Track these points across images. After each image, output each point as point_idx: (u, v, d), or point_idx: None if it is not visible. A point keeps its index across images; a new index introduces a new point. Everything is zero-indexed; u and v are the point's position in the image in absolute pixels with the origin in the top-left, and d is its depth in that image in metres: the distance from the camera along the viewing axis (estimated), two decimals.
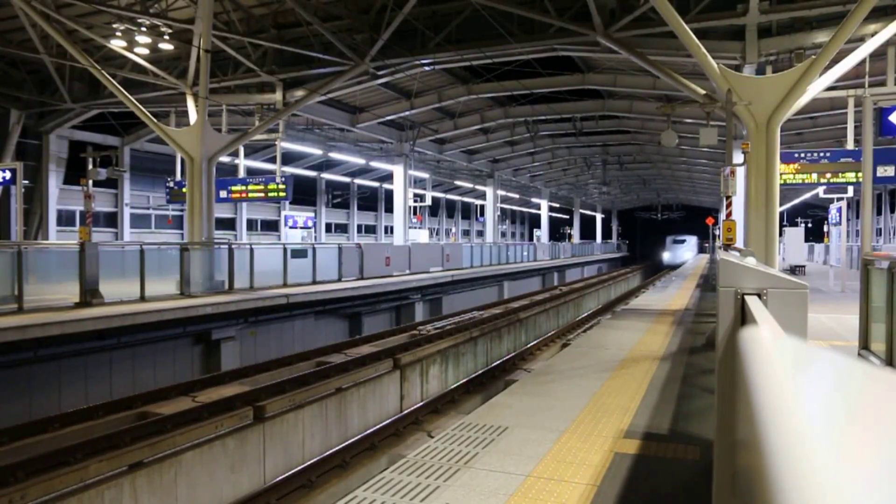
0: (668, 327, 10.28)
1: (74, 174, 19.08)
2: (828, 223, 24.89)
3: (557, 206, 54.27)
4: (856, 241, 28.04)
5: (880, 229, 34.34)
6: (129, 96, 15.70)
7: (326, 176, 34.04)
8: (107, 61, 16.57)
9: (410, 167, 26.42)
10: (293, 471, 7.88)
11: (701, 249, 60.43)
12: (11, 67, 18.16)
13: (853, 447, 0.45)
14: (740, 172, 10.00)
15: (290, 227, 30.05)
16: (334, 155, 27.43)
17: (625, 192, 54.90)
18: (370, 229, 40.06)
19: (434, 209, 44.72)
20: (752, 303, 2.17)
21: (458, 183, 40.16)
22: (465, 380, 12.61)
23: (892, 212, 34.30)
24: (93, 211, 15.81)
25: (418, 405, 10.75)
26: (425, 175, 32.59)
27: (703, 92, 11.92)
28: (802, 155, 12.61)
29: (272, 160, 24.06)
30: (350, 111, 22.58)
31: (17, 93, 18.25)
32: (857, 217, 29.89)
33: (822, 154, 12.57)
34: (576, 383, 6.30)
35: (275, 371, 10.79)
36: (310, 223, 30.88)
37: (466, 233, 51.96)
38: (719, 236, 13.19)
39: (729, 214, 9.56)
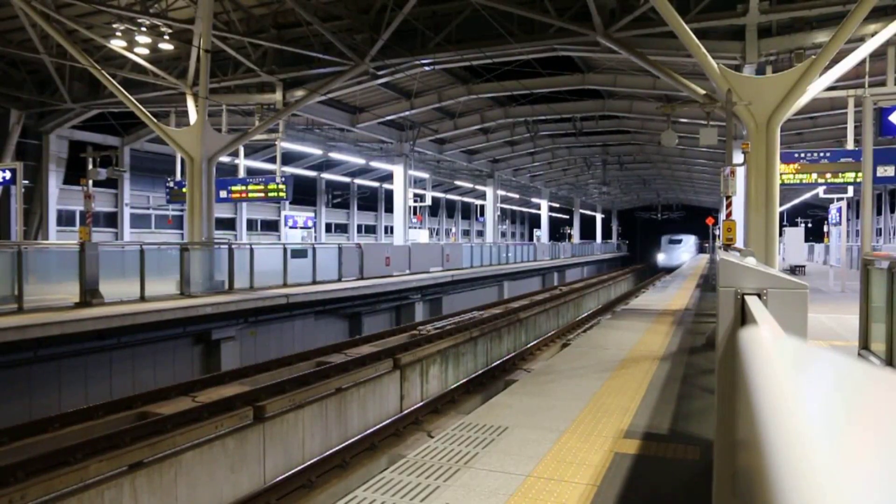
0: (668, 327, 10.28)
1: (74, 174, 19.08)
2: (828, 223, 24.89)
3: (557, 206, 54.26)
4: (856, 241, 28.04)
5: (880, 229, 34.34)
6: (129, 96, 15.70)
7: (326, 176, 34.04)
8: (107, 61, 16.57)
9: (410, 167, 26.42)
10: (293, 471, 7.88)
11: (701, 249, 58.93)
12: (11, 67, 18.16)
13: (853, 447, 0.45)
14: (740, 172, 10.00)
15: (290, 227, 30.04)
16: (334, 155, 27.43)
17: (625, 192, 54.90)
18: (370, 229, 40.06)
19: (434, 209, 44.72)
20: (752, 303, 2.17)
21: (458, 183, 40.16)
22: (465, 380, 12.61)
23: (892, 212, 34.30)
24: (93, 211, 15.81)
25: (418, 405, 10.75)
26: (425, 175, 32.59)
27: (703, 92, 11.92)
28: (802, 155, 12.61)
29: (272, 160, 24.06)
30: (350, 111, 22.58)
31: (17, 93, 18.25)
32: (857, 217, 29.89)
33: (822, 154, 12.56)
34: (576, 383, 6.30)
35: (275, 371, 10.79)
36: (310, 223, 30.88)
37: (466, 233, 51.96)
38: (719, 236, 13.19)
39: (729, 214, 9.55)
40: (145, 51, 14.91)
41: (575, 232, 52.00)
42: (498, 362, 14.24)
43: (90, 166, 16.03)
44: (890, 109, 11.10)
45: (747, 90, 10.09)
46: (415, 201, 30.82)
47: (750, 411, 0.64)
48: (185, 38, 14.61)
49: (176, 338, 11.36)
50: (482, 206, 39.18)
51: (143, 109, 16.02)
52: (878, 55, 11.70)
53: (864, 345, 5.00)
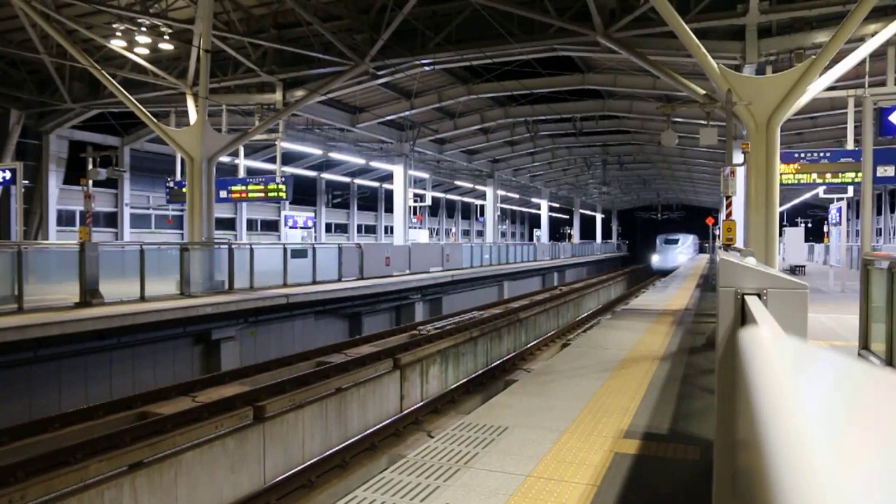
0: (668, 327, 10.28)
1: (74, 174, 19.08)
2: (828, 223, 24.89)
3: (557, 206, 54.25)
4: (856, 241, 28.04)
5: (880, 229, 34.34)
6: (129, 96, 15.70)
7: (326, 176, 34.04)
8: (107, 61, 16.57)
9: (410, 167, 26.42)
10: (293, 471, 7.88)
11: (701, 249, 57.41)
12: (11, 67, 18.16)
13: (853, 447, 0.45)
14: (740, 172, 10.00)
15: (290, 227, 30.05)
16: (334, 155, 27.43)
17: (625, 192, 54.88)
18: (370, 229, 40.06)
19: (434, 209, 44.72)
20: (752, 303, 2.17)
21: (458, 183, 40.16)
22: (465, 380, 12.61)
23: (892, 212, 34.30)
24: (93, 211, 15.81)
25: (418, 405, 10.75)
26: (425, 175, 32.59)
27: (703, 92, 11.92)
28: (802, 155, 12.61)
29: (272, 160, 24.06)
30: (350, 111, 22.58)
31: (17, 93, 18.25)
32: (857, 217, 29.89)
33: (822, 154, 12.56)
34: (576, 383, 6.29)
35: (275, 371, 10.79)
36: (310, 223, 30.88)
37: (466, 233, 51.96)
38: (719, 236, 13.19)
39: (729, 214, 9.56)
40: (145, 51, 14.91)
41: (575, 232, 52.00)
42: (498, 362, 14.24)
43: (90, 166, 16.04)
44: (890, 109, 11.10)
45: (747, 90, 10.09)
46: (415, 201, 30.83)
47: (750, 411, 0.64)
48: (185, 38, 14.61)
49: (176, 338, 11.36)
50: (482, 206, 39.19)
51: (143, 109, 16.02)
52: (878, 55, 11.70)
53: (864, 345, 5.01)
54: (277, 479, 7.72)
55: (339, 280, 16.36)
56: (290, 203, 27.97)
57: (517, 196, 48.74)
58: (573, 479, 3.82)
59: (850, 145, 12.64)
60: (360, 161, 29.05)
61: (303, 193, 32.22)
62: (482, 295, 24.18)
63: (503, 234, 51.25)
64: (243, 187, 17.69)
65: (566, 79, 19.59)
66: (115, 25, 13.70)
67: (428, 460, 4.20)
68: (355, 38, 15.04)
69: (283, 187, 17.12)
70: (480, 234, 47.59)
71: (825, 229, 28.12)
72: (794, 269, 22.64)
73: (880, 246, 28.38)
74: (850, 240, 29.35)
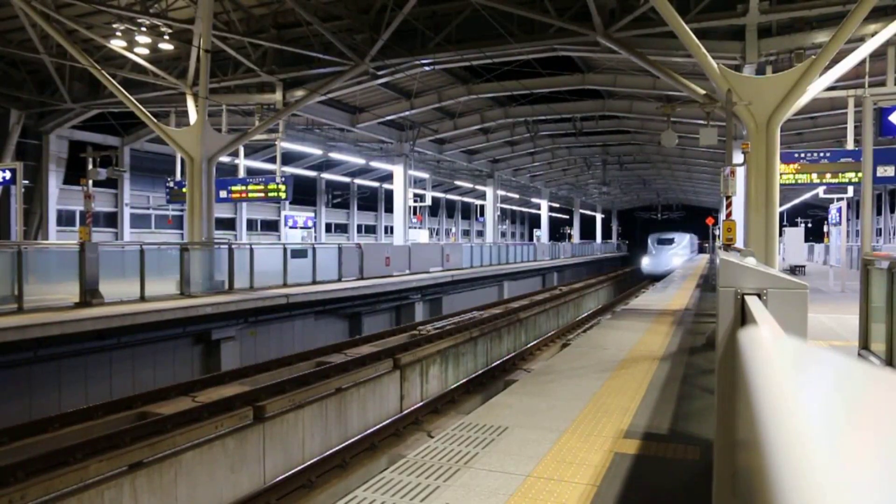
0: (668, 327, 10.28)
1: (74, 174, 19.08)
2: (828, 223, 24.89)
3: (557, 206, 54.23)
4: (856, 242, 28.05)
5: (880, 229, 34.34)
6: (129, 96, 15.70)
7: (326, 176, 34.04)
8: (107, 61, 16.57)
9: (410, 167, 26.42)
10: (293, 471, 7.88)
11: (701, 250, 55.52)
12: (11, 67, 18.16)
13: (853, 447, 0.45)
14: (740, 172, 10.00)
15: (290, 227, 30.05)
16: (334, 155, 27.43)
17: (625, 192, 54.86)
18: (370, 229, 40.07)
19: (434, 209, 44.73)
20: (752, 303, 2.17)
21: (458, 183, 40.16)
22: (465, 380, 12.61)
23: (892, 212, 34.30)
24: (93, 211, 15.80)
25: (418, 405, 10.75)
26: (425, 175, 32.60)
27: (703, 92, 11.92)
28: (802, 155, 12.61)
29: (272, 160, 24.07)
30: (350, 111, 22.58)
31: (17, 93, 18.26)
32: (857, 217, 29.89)
33: (822, 154, 12.56)
34: (576, 383, 6.29)
35: (275, 371, 10.79)
36: (310, 223, 30.88)
37: (466, 233, 51.97)
38: (719, 236, 13.18)
39: (729, 214, 9.55)
40: (145, 51, 14.91)
41: (575, 232, 52.00)
42: (498, 362, 14.25)
43: (90, 166, 16.03)
44: (890, 109, 11.10)
45: (747, 90, 10.09)
46: (415, 201, 30.83)
47: (750, 411, 0.64)
48: (185, 38, 14.61)
49: (176, 338, 11.36)
50: (482, 206, 39.19)
51: (143, 109, 16.02)
52: (878, 55, 11.70)
53: (864, 345, 5.01)
54: (277, 479, 7.72)
55: (339, 280, 16.36)
56: (290, 203, 27.97)
57: (517, 196, 48.74)
58: (573, 479, 3.82)
59: (850, 145, 12.65)
60: (360, 161, 29.05)
61: (303, 193, 32.22)
62: (482, 295, 24.18)
63: (503, 234, 51.25)
64: (243, 187, 17.69)
65: (566, 79, 19.59)
66: (115, 25, 13.70)
67: (428, 460, 4.20)
68: (355, 38, 15.04)
69: (283, 187, 17.12)
70: (480, 234, 47.60)
71: (825, 229, 28.12)
72: (794, 270, 22.64)
73: (880, 246, 28.38)
74: (850, 240, 29.35)
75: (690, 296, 16.15)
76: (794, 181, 12.49)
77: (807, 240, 30.79)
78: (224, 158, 16.99)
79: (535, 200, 48.00)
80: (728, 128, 9.20)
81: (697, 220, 52.18)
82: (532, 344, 16.84)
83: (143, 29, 13.78)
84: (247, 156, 20.49)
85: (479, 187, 38.69)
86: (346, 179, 36.04)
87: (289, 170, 27.04)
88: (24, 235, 16.96)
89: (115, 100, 16.77)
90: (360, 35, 15.03)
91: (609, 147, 32.32)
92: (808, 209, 41.05)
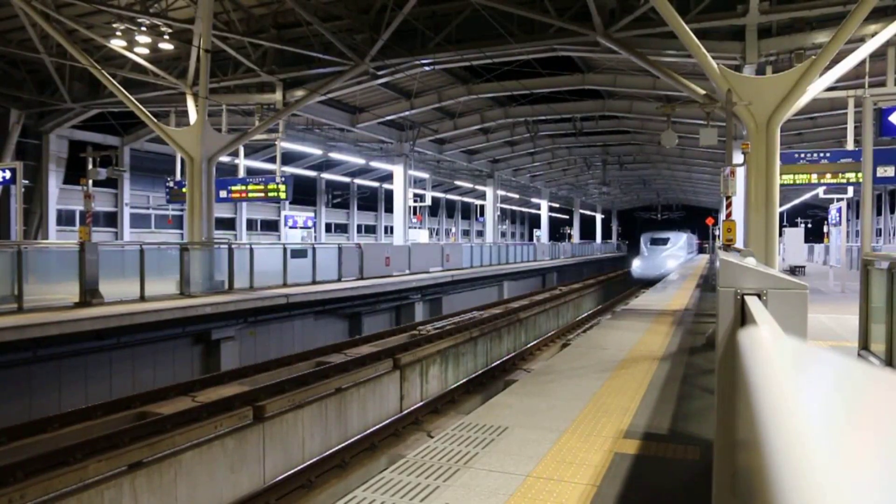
0: (668, 327, 10.28)
1: (74, 174, 19.08)
2: (828, 223, 24.90)
3: (557, 206, 54.24)
4: (856, 242, 28.05)
5: (880, 230, 34.35)
6: (129, 96, 15.70)
7: (326, 176, 34.05)
8: (107, 61, 16.57)
9: (410, 167, 26.42)
10: (293, 471, 7.88)
11: (701, 250, 54.25)
12: (11, 67, 18.16)
13: (853, 447, 0.45)
14: (740, 172, 10.00)
15: (290, 227, 30.05)
16: (334, 155, 27.43)
17: (625, 192, 54.85)
18: (370, 229, 40.07)
19: (434, 209, 44.73)
20: (752, 303, 2.17)
21: (458, 183, 40.16)
22: (464, 380, 12.61)
23: (892, 212, 34.31)
24: (93, 211, 15.80)
25: (418, 405, 10.75)
26: (425, 175, 32.60)
27: (703, 92, 11.93)
28: (802, 155, 12.61)
29: (272, 160, 24.06)
30: (350, 111, 22.58)
31: (17, 93, 18.25)
32: (857, 217, 29.90)
33: (822, 154, 12.57)
34: (576, 383, 6.29)
35: (274, 371, 10.79)
36: (310, 223, 30.88)
37: (466, 233, 51.98)
38: (719, 236, 13.18)
39: (729, 215, 9.55)
40: (145, 51, 14.91)
41: (575, 232, 52.01)
42: (498, 362, 14.24)
43: (90, 166, 16.02)
44: (890, 110, 11.11)
45: (747, 90, 10.09)
46: (415, 201, 30.83)
47: (750, 411, 0.64)
48: (185, 38, 14.61)
49: (176, 338, 11.36)
50: (482, 206, 39.18)
51: (143, 109, 16.02)
52: (878, 55, 11.71)
53: (864, 345, 5.00)
54: (277, 479, 7.72)
55: (339, 280, 16.36)
56: (290, 203, 27.97)
57: (517, 196, 48.73)
58: (573, 479, 3.82)
59: (850, 146, 12.65)
60: (360, 161, 29.05)
61: (303, 193, 32.22)
62: (482, 295, 24.18)
63: (503, 234, 51.25)
64: (243, 187, 17.69)
65: (566, 79, 19.59)
66: (115, 25, 13.70)
67: (428, 460, 4.20)
68: (355, 38, 15.04)
69: (282, 187, 17.11)
70: (480, 234, 47.59)
71: (825, 230, 28.13)
72: (794, 270, 22.64)
73: (880, 246, 28.38)
74: (850, 240, 29.36)
75: (690, 296, 16.15)
76: (793, 182, 12.50)
77: (807, 240, 30.79)
78: (224, 158, 16.99)
79: (535, 200, 47.99)
80: (728, 128, 9.20)
81: (697, 220, 52.05)
82: (532, 344, 16.84)
83: (143, 29, 13.78)
84: (247, 156, 20.49)
85: (479, 187, 38.69)
86: (346, 179, 36.05)
87: (289, 170, 27.04)
88: (24, 235, 16.95)
89: (115, 99, 16.77)
90: (360, 35, 15.03)
91: (609, 147, 32.32)
92: (808, 209, 41.05)
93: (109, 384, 10.24)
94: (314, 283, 15.48)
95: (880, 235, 34.21)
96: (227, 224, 28.38)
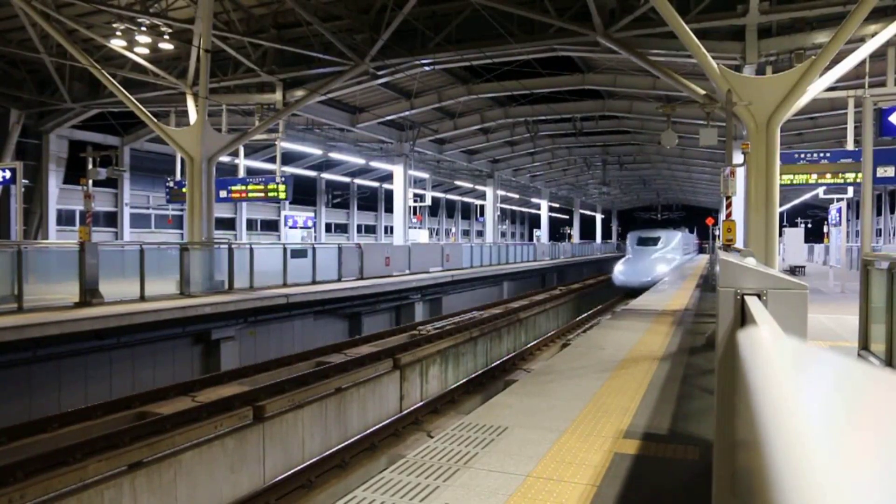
0: (668, 327, 10.28)
1: (74, 174, 19.09)
2: (828, 224, 24.90)
3: (557, 206, 54.26)
4: (856, 242, 28.05)
5: (880, 230, 34.36)
6: (129, 96, 15.70)
7: (326, 176, 34.05)
8: (107, 61, 16.57)
9: (410, 167, 26.43)
10: (293, 471, 7.88)
11: (700, 250, 51.68)
12: (11, 67, 18.16)
13: (853, 447, 0.45)
14: (740, 173, 10.00)
15: (290, 227, 30.06)
16: (334, 155, 27.44)
17: (625, 192, 54.88)
18: (370, 229, 40.08)
19: (434, 209, 44.74)
20: (752, 303, 2.17)
21: (458, 183, 40.17)
22: (464, 380, 12.61)
23: (891, 212, 34.32)
24: (93, 210, 15.80)
25: (418, 405, 10.75)
26: (425, 175, 32.61)
27: (703, 92, 11.92)
28: (802, 155, 12.61)
29: (272, 160, 24.07)
30: (350, 111, 22.59)
31: (17, 92, 18.26)
32: (857, 217, 29.90)
33: (822, 154, 12.57)
34: (576, 383, 6.29)
35: (274, 371, 10.79)
36: (310, 223, 30.89)
37: (466, 233, 51.99)
38: (719, 236, 13.18)
39: (729, 215, 9.55)
40: (145, 50, 14.91)
41: (575, 232, 52.04)
42: (498, 362, 14.24)
43: (90, 166, 16.02)
44: (890, 110, 11.11)
45: (747, 90, 10.09)
46: (415, 201, 30.84)
47: (750, 411, 0.64)
48: (185, 37, 14.61)
49: (175, 337, 11.36)
50: (482, 206, 39.19)
51: (143, 109, 16.02)
52: (879, 56, 11.71)
53: (864, 345, 5.01)
54: (277, 478, 7.71)
55: (339, 280, 16.36)
56: (290, 203, 27.98)
57: (517, 196, 48.75)
58: (573, 480, 3.82)
59: (850, 146, 12.65)
60: (360, 161, 29.06)
61: (303, 193, 32.23)
62: (482, 295, 24.18)
63: (503, 234, 51.27)
64: (243, 187, 17.69)
65: (566, 79, 19.60)
66: (115, 25, 13.70)
67: (427, 460, 4.19)
68: (355, 38, 15.05)
69: (282, 187, 17.11)
70: (480, 234, 47.60)
71: (825, 230, 28.13)
72: (794, 270, 22.64)
73: (880, 246, 28.39)
74: (850, 240, 29.36)
75: (690, 296, 16.15)
76: (792, 182, 12.50)
77: (807, 240, 30.79)
78: (224, 158, 17.00)
79: (535, 200, 48.01)
80: (728, 128, 9.20)
81: (697, 220, 51.99)
82: (532, 344, 16.83)
83: (143, 29, 13.78)
84: (247, 156, 20.49)
85: (479, 187, 38.70)
86: (346, 179, 36.05)
87: (289, 170, 27.05)
88: (24, 235, 16.96)
89: (115, 99, 16.77)
90: (360, 35, 15.03)
91: (609, 147, 32.33)
92: (808, 209, 41.04)
93: (109, 384, 10.24)
94: (314, 283, 15.48)
95: (880, 235, 34.22)
96: (227, 224, 28.39)
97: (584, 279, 37.34)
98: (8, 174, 14.66)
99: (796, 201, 35.05)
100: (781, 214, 25.97)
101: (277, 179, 17.29)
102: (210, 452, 7.35)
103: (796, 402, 0.56)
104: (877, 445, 0.45)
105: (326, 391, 9.52)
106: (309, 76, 16.28)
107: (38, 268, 11.76)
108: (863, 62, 10.97)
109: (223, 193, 17.65)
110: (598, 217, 59.47)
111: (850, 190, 16.02)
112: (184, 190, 16.72)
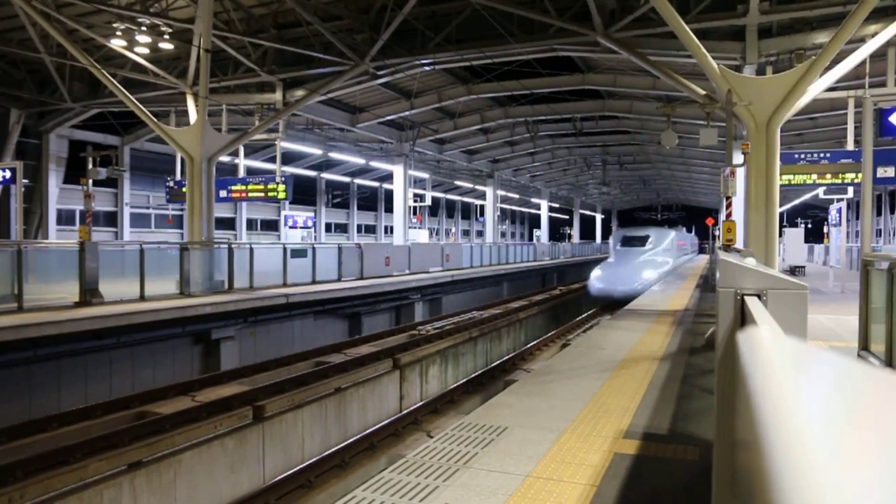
0: (668, 327, 10.28)
1: (74, 173, 19.08)
2: (828, 224, 24.90)
3: (557, 206, 54.26)
4: (856, 242, 28.06)
5: (880, 230, 34.36)
6: (129, 96, 15.70)
7: (326, 176, 34.05)
8: (107, 61, 16.57)
9: (410, 167, 26.43)
10: (292, 470, 7.87)
11: (701, 250, 50.45)
12: (11, 67, 18.16)
13: (853, 447, 0.45)
14: (740, 173, 10.00)
15: (290, 227, 30.06)
16: (334, 155, 27.44)
17: (625, 192, 54.89)
18: (370, 229, 40.08)
19: (434, 209, 44.74)
20: (752, 303, 2.17)
21: (458, 183, 40.17)
22: (464, 380, 12.60)
23: (891, 212, 34.32)
24: (93, 210, 15.79)
25: (418, 405, 10.74)
26: (425, 175, 32.61)
27: (703, 92, 11.92)
28: (802, 155, 12.61)
29: (272, 160, 24.07)
30: (350, 111, 22.59)
31: (17, 92, 18.26)
32: (857, 218, 29.90)
33: (822, 155, 12.57)
34: (576, 383, 6.29)
35: (274, 371, 10.79)
36: (310, 223, 30.89)
37: (466, 233, 51.99)
38: (719, 237, 13.18)
39: (729, 215, 9.55)
40: (145, 50, 14.92)
41: (575, 232, 52.04)
42: (498, 362, 14.23)
43: (90, 166, 16.02)
44: (890, 110, 11.11)
45: (747, 91, 10.09)
46: (415, 201, 30.84)
47: (749, 412, 0.64)
48: (185, 37, 14.61)
49: (175, 337, 11.35)
50: (482, 206, 39.19)
51: (143, 109, 16.02)
52: (879, 56, 11.71)
53: (864, 346, 5.01)
54: (277, 478, 7.71)
55: (339, 280, 16.36)
56: (290, 203, 27.99)
57: (517, 196, 48.76)
58: (573, 480, 3.82)
59: (850, 146, 12.65)
60: (360, 161, 29.06)
61: (303, 193, 32.23)
62: (482, 295, 24.17)
63: (503, 234, 51.27)
64: (243, 187, 17.69)
65: (566, 79, 19.60)
66: (115, 25, 13.70)
67: (427, 460, 4.19)
68: (355, 38, 15.04)
69: (282, 187, 17.11)
70: (480, 234, 47.61)
71: (825, 230, 28.13)
72: (794, 270, 22.65)
73: (880, 247, 28.39)
74: (850, 240, 29.37)
75: (690, 296, 16.15)
76: (792, 182, 12.50)
77: (807, 240, 30.80)
78: (224, 158, 17.00)
79: (535, 200, 48.01)
80: (728, 128, 9.20)
81: (698, 220, 51.93)
82: (532, 344, 16.83)
83: (144, 28, 13.79)
84: (247, 156, 20.49)
85: (479, 187, 38.70)
86: (346, 179, 36.05)
87: (289, 169, 27.05)
88: (24, 235, 16.96)
89: (115, 99, 16.77)
90: (360, 35, 15.03)
91: (609, 147, 32.34)
92: (808, 210, 41.04)
93: (109, 384, 10.24)
94: (314, 282, 15.48)
95: (880, 236, 34.22)
96: (227, 224, 28.39)
97: (583, 279, 37.26)
98: (8, 174, 14.66)
99: (796, 201, 35.06)
100: (781, 214, 25.97)
101: (277, 179, 17.28)
102: (210, 452, 7.35)
103: (796, 403, 0.56)
104: (877, 445, 0.45)
105: (326, 391, 9.52)
106: (309, 76, 16.28)
107: (38, 267, 11.76)
108: (863, 62, 10.97)
109: (223, 193, 17.65)
110: (598, 217, 59.49)
111: (850, 190, 16.02)
112: (184, 190, 16.72)
